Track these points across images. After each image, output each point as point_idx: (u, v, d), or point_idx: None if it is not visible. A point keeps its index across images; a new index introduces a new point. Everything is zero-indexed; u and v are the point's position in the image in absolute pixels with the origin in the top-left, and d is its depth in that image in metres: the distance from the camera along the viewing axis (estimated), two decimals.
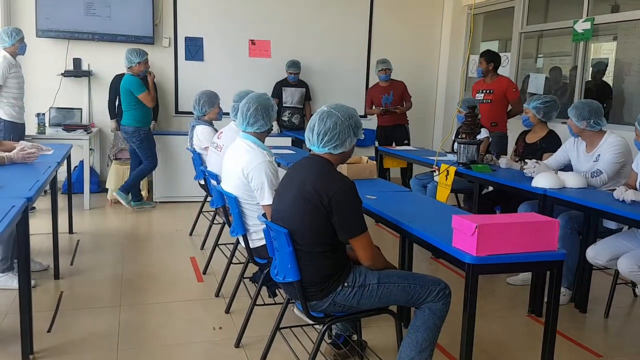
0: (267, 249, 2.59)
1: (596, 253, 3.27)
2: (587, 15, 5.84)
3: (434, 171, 4.64)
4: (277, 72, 7.24)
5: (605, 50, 6.39)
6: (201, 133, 4.77)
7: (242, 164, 2.96)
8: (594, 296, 3.71)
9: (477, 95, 5.81)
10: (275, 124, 6.44)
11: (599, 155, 3.77)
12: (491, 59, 5.72)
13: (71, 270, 4.13)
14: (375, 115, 6.76)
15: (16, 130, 5.16)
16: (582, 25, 5.83)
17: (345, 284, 2.36)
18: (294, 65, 7.05)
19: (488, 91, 5.70)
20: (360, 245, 2.34)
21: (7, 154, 3.64)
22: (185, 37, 7.16)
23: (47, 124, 5.99)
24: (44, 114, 5.88)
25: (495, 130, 5.55)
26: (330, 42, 7.62)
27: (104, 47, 6.82)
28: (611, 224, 3.56)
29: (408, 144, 6.68)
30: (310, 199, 2.27)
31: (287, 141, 6.50)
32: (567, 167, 4.07)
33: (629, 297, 3.97)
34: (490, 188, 4.70)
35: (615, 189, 3.33)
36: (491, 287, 4.00)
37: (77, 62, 6.79)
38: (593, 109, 3.77)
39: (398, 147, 5.95)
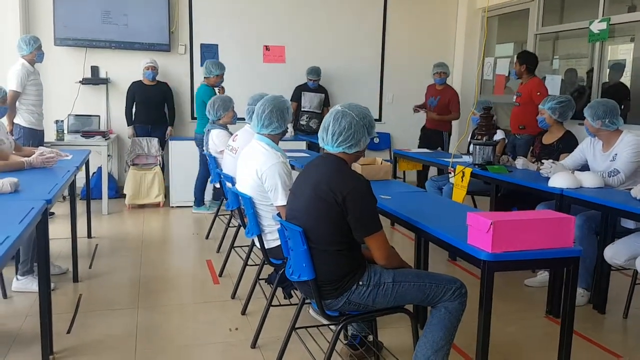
0: (282, 249, 2.60)
1: (614, 253, 3.23)
2: (602, 16, 5.80)
3: (450, 173, 4.62)
4: (292, 77, 7.28)
5: (622, 50, 6.34)
6: (216, 137, 4.81)
7: (257, 165, 2.99)
8: (612, 297, 3.66)
9: (513, 98, 5.76)
10: (290, 126, 6.48)
11: (616, 154, 3.73)
12: (523, 61, 5.58)
13: (90, 274, 4.18)
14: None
15: (35, 137, 5.25)
16: (597, 26, 5.78)
17: (360, 283, 2.36)
18: (313, 72, 7.09)
19: (518, 94, 5.64)
20: (375, 243, 2.34)
21: (26, 158, 3.70)
22: (201, 44, 7.23)
23: (65, 131, 6.08)
24: (62, 121, 5.97)
25: (523, 133, 5.48)
26: (344, 47, 7.65)
27: (121, 54, 6.91)
28: (629, 224, 3.51)
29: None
30: (325, 197, 2.28)
31: (302, 145, 6.52)
32: (585, 168, 4.03)
33: None
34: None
35: (632, 188, 3.30)
36: (508, 289, 3.97)
37: (94, 69, 6.89)
38: (608, 108, 3.74)
39: (413, 150, 5.95)
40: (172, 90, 6.92)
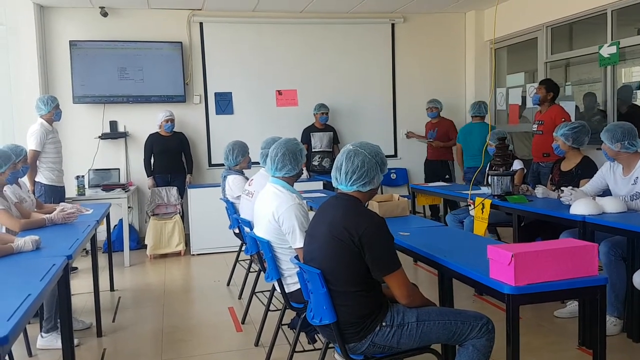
0: (302, 292, 2.57)
1: None
2: (611, 40, 5.79)
3: (469, 205, 4.58)
4: (305, 119, 7.36)
5: (635, 73, 6.31)
6: (233, 182, 4.84)
7: (272, 208, 2.99)
8: None
9: (532, 126, 5.75)
10: (304, 169, 6.52)
11: (637, 177, 3.67)
12: (551, 89, 5.57)
13: (113, 327, 4.17)
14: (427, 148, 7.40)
15: (56, 194, 5.34)
16: (607, 50, 5.78)
17: (383, 324, 2.32)
18: (323, 105, 7.21)
19: (540, 122, 5.61)
20: (395, 282, 2.31)
21: (47, 215, 3.75)
22: (215, 93, 7.36)
23: (86, 186, 6.18)
24: (83, 176, 6.07)
25: (547, 161, 5.43)
26: (355, 86, 7.74)
27: (139, 108, 7.05)
28: None
29: (449, 180, 6.75)
30: (340, 237, 2.26)
31: (319, 185, 6.54)
32: (606, 193, 3.96)
33: None
34: None
35: None
36: (538, 322, 3.87)
37: (113, 124, 7.04)
38: (626, 129, 3.70)
39: (430, 184, 5.93)
40: (189, 139, 7.04)
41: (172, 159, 6.80)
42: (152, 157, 6.76)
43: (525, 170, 5.42)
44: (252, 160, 5.16)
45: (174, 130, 6.79)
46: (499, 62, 7.89)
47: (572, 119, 6.21)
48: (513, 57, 7.88)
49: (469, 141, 6.52)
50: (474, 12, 7.82)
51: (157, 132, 6.76)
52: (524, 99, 7.25)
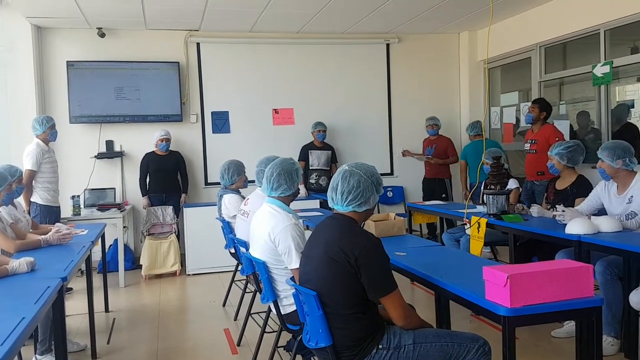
0: (298, 314, 2.56)
1: None
2: (605, 59, 5.85)
3: (465, 224, 4.58)
4: (301, 138, 7.38)
5: (629, 91, 6.36)
6: (229, 202, 4.83)
7: (268, 229, 2.98)
8: None
9: (525, 145, 5.79)
10: (302, 187, 6.53)
11: (632, 196, 3.69)
12: (544, 108, 5.64)
13: (108, 349, 4.13)
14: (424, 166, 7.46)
15: (52, 214, 5.32)
16: (601, 69, 5.83)
17: (380, 346, 2.31)
18: (320, 124, 7.24)
19: (533, 141, 5.65)
20: (391, 304, 2.30)
21: (43, 236, 3.74)
22: (212, 112, 7.38)
23: (82, 205, 6.16)
24: (78, 196, 6.05)
25: (542, 179, 5.45)
26: (351, 105, 7.78)
27: (135, 127, 7.06)
28: None
29: (445, 198, 6.77)
30: (336, 258, 2.26)
31: (315, 203, 6.53)
32: (601, 212, 3.97)
33: None
34: None
35: None
36: (535, 342, 3.85)
37: (109, 144, 7.04)
38: (625, 147, 3.75)
39: (427, 202, 5.94)
40: (185, 158, 7.05)
41: (167, 178, 6.79)
42: (148, 177, 6.76)
43: (521, 189, 5.43)
44: (249, 179, 5.16)
45: (169, 149, 6.80)
46: (493, 81, 7.95)
47: (566, 137, 6.25)
48: (507, 77, 7.95)
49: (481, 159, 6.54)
50: (468, 32, 7.90)
51: (153, 152, 6.77)
52: (517, 119, 7.30)
